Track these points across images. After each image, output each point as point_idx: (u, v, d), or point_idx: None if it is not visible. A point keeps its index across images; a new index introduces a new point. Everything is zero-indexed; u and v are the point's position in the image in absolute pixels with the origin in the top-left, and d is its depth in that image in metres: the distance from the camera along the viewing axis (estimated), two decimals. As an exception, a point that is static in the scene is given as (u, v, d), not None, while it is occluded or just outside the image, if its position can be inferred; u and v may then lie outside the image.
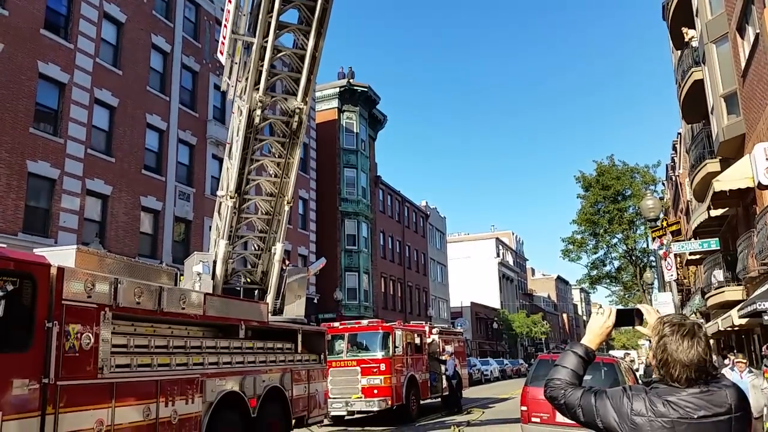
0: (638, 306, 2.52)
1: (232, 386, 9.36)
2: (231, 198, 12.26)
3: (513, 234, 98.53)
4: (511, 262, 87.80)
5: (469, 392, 25.76)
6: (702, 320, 23.01)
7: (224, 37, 11.76)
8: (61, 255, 7.08)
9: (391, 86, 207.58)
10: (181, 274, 11.77)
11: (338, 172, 39.01)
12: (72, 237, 19.66)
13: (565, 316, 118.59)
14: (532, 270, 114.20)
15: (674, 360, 2.21)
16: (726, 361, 12.57)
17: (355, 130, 40.70)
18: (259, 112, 12.23)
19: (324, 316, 32.13)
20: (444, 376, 20.94)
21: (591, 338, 2.51)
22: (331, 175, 38.42)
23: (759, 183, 9.51)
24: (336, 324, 18.78)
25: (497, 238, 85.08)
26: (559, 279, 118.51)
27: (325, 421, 14.83)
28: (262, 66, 11.94)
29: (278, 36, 12.34)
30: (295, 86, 12.68)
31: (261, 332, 11.09)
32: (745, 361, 11.10)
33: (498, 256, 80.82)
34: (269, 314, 11.63)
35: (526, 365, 50.06)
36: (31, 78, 19.42)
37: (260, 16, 11.66)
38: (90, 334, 6.60)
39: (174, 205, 25.34)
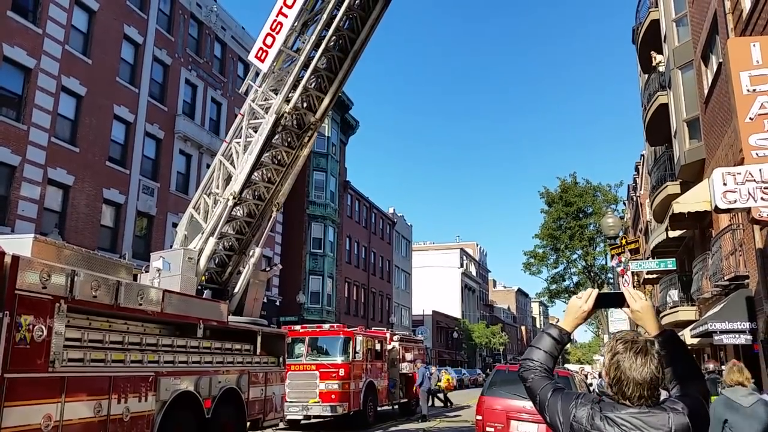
0: (622, 289, 2.53)
1: (187, 386, 9.23)
2: (234, 199, 12.29)
3: (477, 245, 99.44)
4: (474, 273, 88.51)
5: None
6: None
7: (268, 46, 11.94)
8: (17, 244, 6.91)
9: (364, 93, 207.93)
10: (145, 270, 11.60)
11: (307, 175, 38.85)
12: (30, 226, 19.16)
13: (523, 328, 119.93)
14: (494, 282, 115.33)
15: (627, 378, 2.21)
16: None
17: (326, 134, 40.62)
18: (283, 121, 12.58)
19: (286, 319, 31.91)
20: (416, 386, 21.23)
21: (567, 321, 2.51)
22: (299, 178, 37.73)
23: (716, 207, 9.79)
24: (297, 327, 18.68)
25: (462, 249, 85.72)
26: (520, 291, 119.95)
27: (281, 425, 14.70)
28: (300, 82, 12.39)
29: (319, 59, 12.64)
30: (318, 104, 13.15)
31: (220, 332, 10.96)
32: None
33: (462, 266, 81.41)
34: (229, 315, 11.53)
35: (484, 375, 50.48)
36: (-5, 61, 18.93)
37: (312, 36, 12.17)
38: (43, 327, 6.45)
39: (137, 199, 24.90)
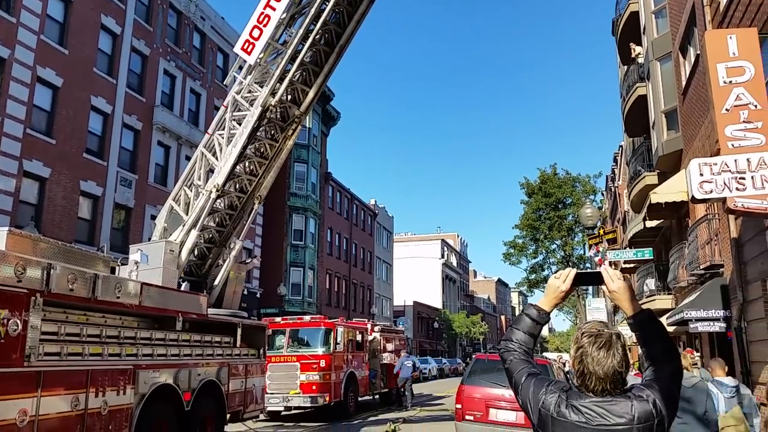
0: (600, 269, 2.50)
1: (166, 379, 9.19)
2: (217, 191, 12.24)
3: (458, 236, 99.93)
4: (454, 264, 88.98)
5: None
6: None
7: (254, 38, 11.91)
8: (-10, 237, 6.81)
9: (346, 84, 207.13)
10: (121, 263, 11.49)
11: (288, 166, 38.65)
12: (5, 219, 18.84)
13: (503, 317, 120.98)
14: (474, 272, 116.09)
15: (589, 372, 2.24)
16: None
17: (307, 125, 40.43)
18: (268, 114, 12.59)
19: (267, 311, 31.82)
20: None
21: (546, 300, 2.54)
22: (281, 169, 37.76)
23: (692, 197, 9.93)
24: (278, 319, 18.65)
25: (443, 240, 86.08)
26: (500, 281, 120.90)
27: (261, 417, 14.71)
28: (286, 75, 12.40)
29: (306, 52, 12.62)
30: (303, 97, 13.18)
31: (199, 325, 10.91)
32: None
33: (443, 257, 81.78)
34: (208, 307, 11.47)
35: (464, 364, 50.88)
36: (-34, 50, 18.53)
37: (300, 30, 12.16)
38: (18, 321, 6.36)
39: (115, 191, 24.60)
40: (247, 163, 13.38)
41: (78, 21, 23.03)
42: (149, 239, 14.60)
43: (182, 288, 11.78)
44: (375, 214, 57.50)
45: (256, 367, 12.67)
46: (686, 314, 14.29)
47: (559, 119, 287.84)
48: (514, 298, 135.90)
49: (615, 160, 40.89)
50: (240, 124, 12.56)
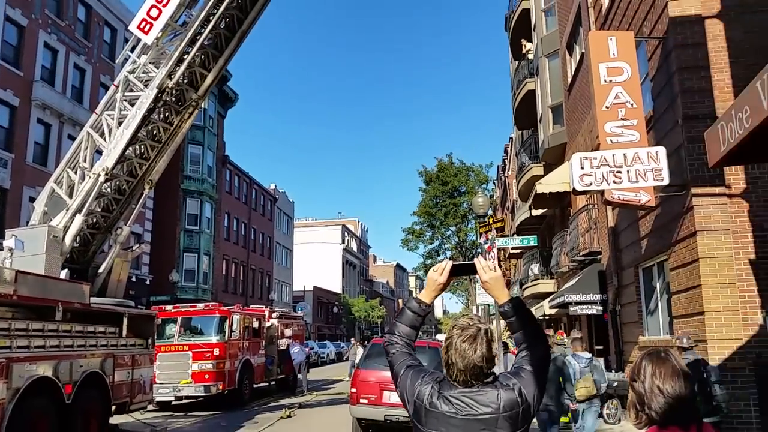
0: (475, 261, 2.57)
1: (45, 371, 8.69)
2: (106, 175, 11.59)
3: (358, 222, 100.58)
4: (355, 249, 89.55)
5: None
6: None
7: (153, 18, 11.16)
8: None
9: (245, 65, 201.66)
10: None
11: (182, 148, 37.13)
12: None
13: (400, 301, 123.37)
14: (374, 257, 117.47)
15: (453, 362, 2.34)
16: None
17: (203, 106, 38.98)
18: (164, 97, 12.10)
19: (158, 299, 30.57)
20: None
21: (426, 293, 2.63)
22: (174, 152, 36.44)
23: (574, 188, 10.57)
24: (168, 307, 18.02)
25: (344, 225, 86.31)
26: (398, 266, 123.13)
27: (150, 407, 14.21)
28: (185, 58, 11.92)
29: (207, 36, 12.17)
30: (201, 81, 12.75)
31: (82, 315, 10.36)
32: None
33: (343, 242, 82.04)
34: (91, 296, 10.91)
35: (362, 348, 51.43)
36: None
37: (201, 13, 11.72)
38: None
39: (-12, 170, 22.69)
40: (138, 146, 12.79)
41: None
42: (27, 223, 13.62)
43: (63, 275, 11.11)
44: (275, 199, 56.62)
45: (144, 357, 12.23)
46: (567, 298, 15.23)
47: (457, 110, 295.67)
48: (412, 282, 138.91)
49: (506, 151, 42.67)
50: (133, 106, 11.97)
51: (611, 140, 9.86)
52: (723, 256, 8.85)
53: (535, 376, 2.40)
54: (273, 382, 21.00)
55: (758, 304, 8.68)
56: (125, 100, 12.09)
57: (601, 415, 11.35)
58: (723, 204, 9.00)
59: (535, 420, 10.14)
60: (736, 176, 9.05)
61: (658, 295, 11.47)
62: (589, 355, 9.61)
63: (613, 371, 13.14)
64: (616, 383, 11.63)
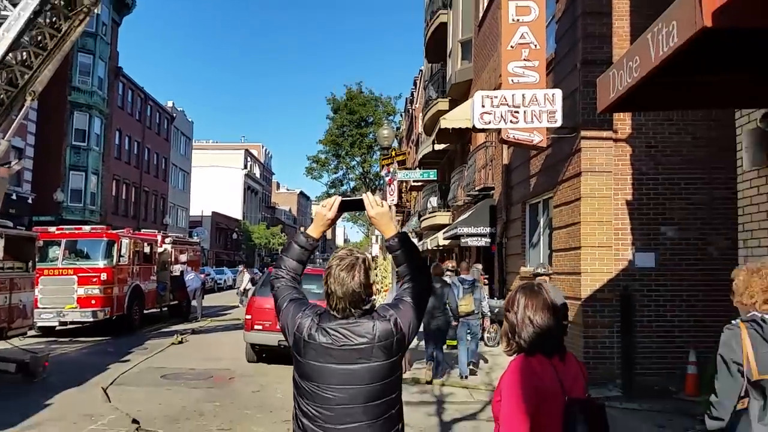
0: (363, 196, 2.60)
1: None
2: None
3: (263, 147, 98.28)
4: (257, 175, 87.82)
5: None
6: (416, 239, 25.77)
7: None
8: None
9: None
10: None
11: (71, 56, 34.10)
12: None
13: (302, 229, 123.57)
14: (278, 184, 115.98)
15: (332, 291, 2.40)
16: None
17: (96, 11, 35.78)
18: None
19: (40, 219, 28.72)
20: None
21: (313, 227, 2.64)
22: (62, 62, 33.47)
23: (474, 126, 10.75)
24: (52, 229, 17.01)
25: (247, 150, 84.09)
26: (302, 194, 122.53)
27: (31, 333, 13.58)
28: None
29: None
30: None
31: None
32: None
33: (245, 167, 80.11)
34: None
35: (261, 275, 51.42)
36: None
37: None
38: None
39: None
40: (20, 53, 11.58)
41: None
42: None
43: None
44: (172, 117, 53.84)
45: (24, 281, 11.58)
46: (459, 230, 15.81)
47: (371, 38, 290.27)
48: (315, 210, 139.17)
49: (415, 84, 42.61)
50: (15, 6, 10.72)
51: (512, 80, 10.02)
52: (603, 196, 9.41)
53: (414, 307, 2.48)
54: (165, 309, 20.60)
55: (629, 241, 9.37)
56: (7, 0, 10.84)
57: (482, 339, 12.19)
58: (608, 147, 9.48)
59: (423, 342, 10.87)
60: (624, 122, 9.52)
61: (541, 230, 12.13)
62: (472, 278, 10.71)
63: (495, 298, 13.94)
64: (497, 309, 12.30)
